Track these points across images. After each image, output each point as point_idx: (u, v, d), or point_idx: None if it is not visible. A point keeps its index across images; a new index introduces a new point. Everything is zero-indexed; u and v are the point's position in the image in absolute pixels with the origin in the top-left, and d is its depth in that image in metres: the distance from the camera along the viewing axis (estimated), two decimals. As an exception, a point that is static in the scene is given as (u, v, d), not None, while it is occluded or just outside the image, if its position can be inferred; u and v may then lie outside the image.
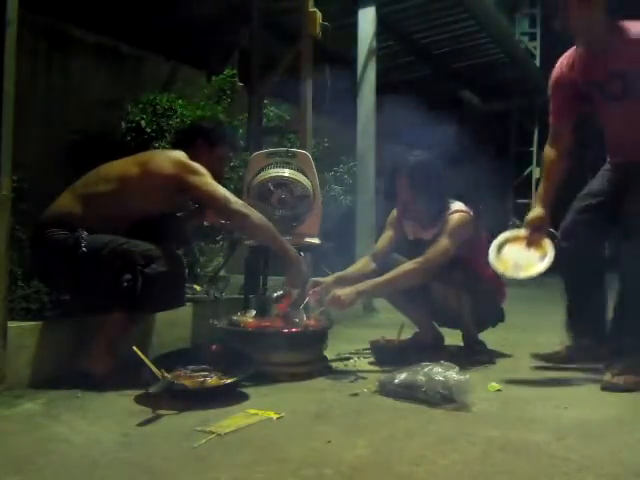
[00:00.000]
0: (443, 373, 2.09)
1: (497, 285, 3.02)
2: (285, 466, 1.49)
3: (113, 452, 1.59)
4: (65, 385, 2.19)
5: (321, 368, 2.61)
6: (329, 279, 2.90)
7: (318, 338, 2.65)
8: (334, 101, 6.19)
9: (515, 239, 2.62)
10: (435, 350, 3.00)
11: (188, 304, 2.95)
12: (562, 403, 2.13)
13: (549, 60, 2.90)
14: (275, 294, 2.66)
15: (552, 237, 2.65)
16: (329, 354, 2.79)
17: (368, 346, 3.01)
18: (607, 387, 2.33)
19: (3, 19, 2.05)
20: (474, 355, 2.93)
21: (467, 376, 2.09)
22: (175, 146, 2.66)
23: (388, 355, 2.84)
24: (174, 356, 2.31)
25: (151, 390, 1.99)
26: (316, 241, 3.01)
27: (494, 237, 2.67)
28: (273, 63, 4.55)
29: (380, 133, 5.84)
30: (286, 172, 2.88)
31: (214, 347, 2.37)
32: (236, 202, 2.46)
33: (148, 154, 2.65)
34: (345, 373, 2.62)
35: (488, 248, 2.65)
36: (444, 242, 2.80)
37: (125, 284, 2.24)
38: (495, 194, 11.62)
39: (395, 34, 7.59)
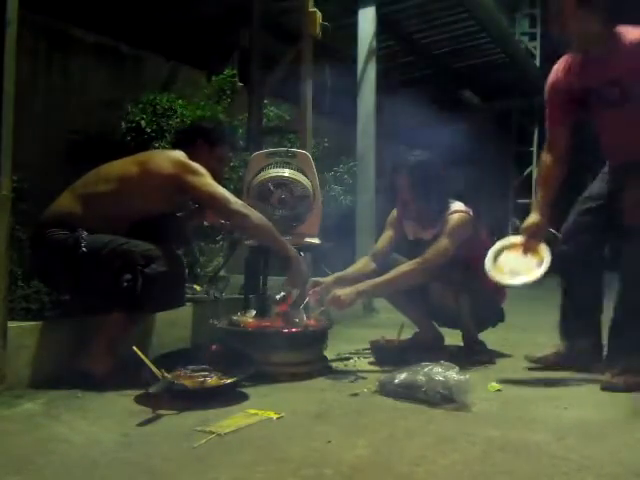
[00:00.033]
0: (443, 373, 2.10)
1: (497, 285, 3.01)
2: (285, 466, 1.49)
3: (113, 452, 1.59)
4: (65, 385, 2.19)
5: (321, 368, 2.61)
6: (329, 279, 2.90)
7: (318, 338, 2.65)
8: (334, 101, 6.19)
9: (512, 246, 2.62)
10: (435, 350, 3.00)
11: (188, 304, 2.95)
12: (562, 403, 2.13)
13: (549, 60, 2.90)
14: (278, 296, 2.66)
15: (554, 237, 2.65)
16: (329, 354, 2.79)
17: (368, 346, 3.01)
18: (607, 387, 2.33)
19: (3, 19, 2.05)
20: (474, 355, 2.93)
21: (467, 376, 2.09)
22: (175, 146, 2.66)
23: (388, 355, 2.84)
24: (174, 356, 2.31)
25: (151, 390, 1.99)
26: (316, 241, 3.01)
27: (494, 236, 2.67)
28: (273, 63, 4.55)
29: (380, 133, 5.84)
30: (286, 172, 2.88)
31: (214, 347, 2.37)
32: (236, 202, 2.46)
33: (148, 154, 2.65)
34: (345, 373, 2.62)
35: (488, 248, 2.65)
36: (444, 242, 2.80)
37: (125, 284, 2.24)
38: (495, 194, 11.65)
39: (395, 34, 7.59)
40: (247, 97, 4.75)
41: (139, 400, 2.07)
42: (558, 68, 2.63)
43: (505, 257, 2.59)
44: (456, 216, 2.87)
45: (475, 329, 3.06)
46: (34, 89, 4.73)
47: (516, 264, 2.53)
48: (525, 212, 2.95)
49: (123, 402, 2.06)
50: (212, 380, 2.17)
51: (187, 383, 2.12)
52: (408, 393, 2.13)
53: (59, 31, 5.02)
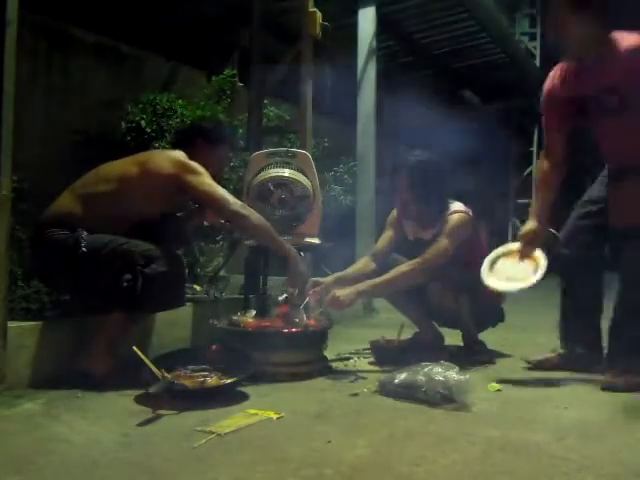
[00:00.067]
0: (443, 373, 2.10)
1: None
2: (285, 466, 1.49)
3: (113, 452, 1.59)
4: (65, 385, 2.19)
5: (321, 368, 2.61)
6: (329, 279, 2.90)
7: (318, 338, 2.65)
8: (334, 101, 6.19)
9: (509, 253, 2.62)
10: (435, 350, 3.00)
11: (188, 304, 2.95)
12: (562, 403, 2.13)
13: (549, 60, 2.89)
14: (280, 297, 2.66)
15: (554, 237, 2.65)
16: (329, 354, 2.79)
17: (368, 346, 3.01)
18: (607, 387, 2.33)
19: (3, 19, 2.05)
20: (474, 355, 2.93)
21: (467, 376, 2.09)
22: (175, 146, 2.66)
23: (388, 355, 2.84)
24: (174, 356, 2.31)
25: (151, 390, 1.99)
26: (316, 241, 3.01)
27: (494, 236, 2.67)
28: (273, 63, 4.55)
29: (380, 133, 5.84)
30: (286, 172, 2.88)
31: (214, 347, 2.37)
32: (235, 203, 2.46)
33: (147, 154, 2.65)
34: (345, 373, 2.62)
35: (487, 248, 2.65)
36: (443, 242, 2.80)
37: (125, 284, 2.25)
38: (495, 194, 11.65)
39: (395, 34, 7.59)
40: (247, 97, 4.75)
41: (139, 400, 2.07)
42: (554, 75, 2.61)
43: (502, 264, 2.59)
44: (456, 216, 2.87)
45: (475, 329, 3.06)
46: (34, 89, 4.73)
47: (513, 271, 2.53)
48: (525, 212, 2.95)
49: (123, 402, 2.06)
50: (212, 380, 2.17)
51: (187, 383, 2.12)
52: (408, 393, 2.13)
53: (59, 31, 5.03)
